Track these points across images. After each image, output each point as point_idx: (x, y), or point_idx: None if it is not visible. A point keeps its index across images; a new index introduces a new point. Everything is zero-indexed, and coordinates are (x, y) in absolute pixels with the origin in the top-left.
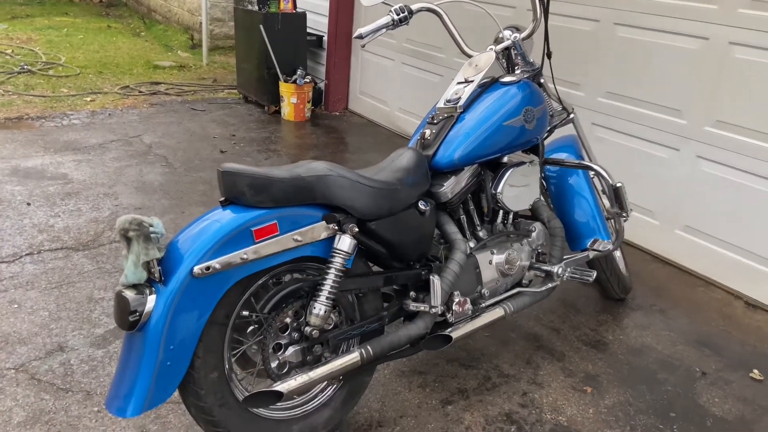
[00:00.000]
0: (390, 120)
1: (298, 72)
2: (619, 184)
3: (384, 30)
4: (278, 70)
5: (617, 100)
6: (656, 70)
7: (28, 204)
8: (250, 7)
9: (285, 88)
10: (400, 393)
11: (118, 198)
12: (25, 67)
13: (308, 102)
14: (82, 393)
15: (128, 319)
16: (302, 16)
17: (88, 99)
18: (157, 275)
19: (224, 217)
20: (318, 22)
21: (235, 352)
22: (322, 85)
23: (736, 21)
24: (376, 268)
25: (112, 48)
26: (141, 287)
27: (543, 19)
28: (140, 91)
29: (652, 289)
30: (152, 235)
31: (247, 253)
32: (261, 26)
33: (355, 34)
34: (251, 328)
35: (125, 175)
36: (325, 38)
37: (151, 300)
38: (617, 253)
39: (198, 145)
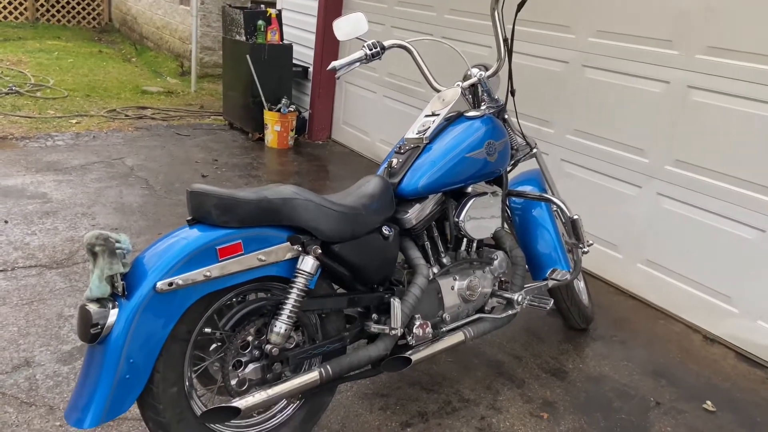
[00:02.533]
0: (371, 150)
1: (283, 101)
2: (576, 217)
3: (357, 64)
4: (263, 98)
5: (585, 138)
6: (621, 110)
7: (6, 222)
8: (238, 37)
9: (269, 116)
10: (361, 415)
11: (96, 218)
12: (13, 88)
13: (292, 130)
14: (45, 407)
15: (90, 331)
16: (288, 48)
17: (74, 121)
18: (120, 289)
19: (190, 235)
20: (304, 54)
21: (196, 368)
22: (306, 114)
23: (694, 66)
24: (341, 290)
25: (102, 72)
26: (104, 301)
27: (507, 59)
28: (126, 115)
29: (614, 320)
30: (118, 251)
31: (211, 270)
32: (248, 56)
33: (329, 67)
34: (214, 345)
35: (104, 196)
36: (311, 69)
37: (113, 314)
38: (580, 284)
39: (180, 168)
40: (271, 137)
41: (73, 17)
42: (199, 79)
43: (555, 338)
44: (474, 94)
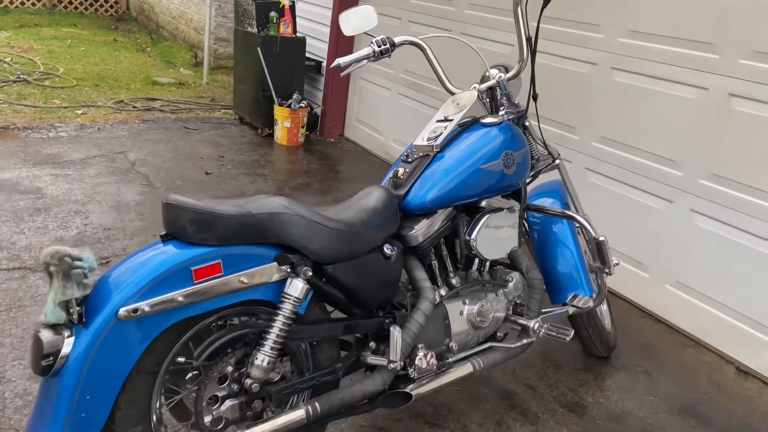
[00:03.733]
0: (384, 150)
1: (294, 96)
2: (602, 238)
3: (365, 61)
4: (273, 93)
5: (612, 146)
6: (653, 117)
7: None
8: (250, 29)
9: (279, 112)
10: None
11: (89, 216)
12: (21, 76)
13: (302, 127)
14: (11, 431)
15: (41, 363)
16: (302, 41)
17: (80, 112)
18: (75, 317)
19: (161, 254)
20: (318, 48)
21: (169, 401)
22: (318, 110)
23: (737, 72)
24: (337, 313)
25: (113, 62)
26: (60, 328)
27: (530, 60)
28: (134, 107)
29: (639, 347)
30: (76, 270)
31: (184, 295)
32: (259, 49)
33: (333, 64)
34: (191, 374)
35: (101, 193)
36: (324, 64)
37: (68, 343)
38: (603, 308)
39: (184, 164)
40: (280, 133)
41: (91, 5)
42: (212, 71)
43: (573, 366)
44: (492, 98)
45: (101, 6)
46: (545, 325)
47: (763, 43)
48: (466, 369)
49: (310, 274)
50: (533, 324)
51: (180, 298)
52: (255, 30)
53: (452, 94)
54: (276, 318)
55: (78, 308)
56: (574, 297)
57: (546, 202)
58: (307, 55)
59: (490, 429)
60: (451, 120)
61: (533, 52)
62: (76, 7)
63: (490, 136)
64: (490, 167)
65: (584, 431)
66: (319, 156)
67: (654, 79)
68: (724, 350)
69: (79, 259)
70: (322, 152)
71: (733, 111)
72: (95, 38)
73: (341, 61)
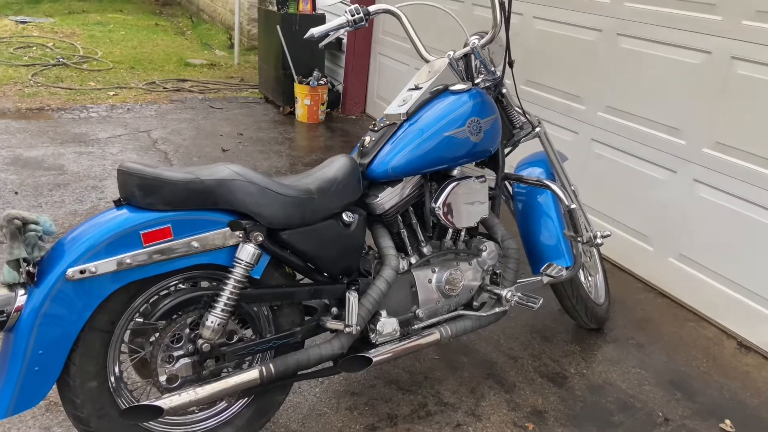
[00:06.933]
0: None
1: (314, 74)
2: (573, 206)
3: (342, 30)
4: (293, 70)
5: (617, 115)
6: (657, 84)
7: (16, 193)
8: (270, 7)
9: (299, 89)
10: (324, 414)
11: (104, 192)
12: (61, 60)
13: (322, 104)
14: None
15: None
16: (321, 18)
17: (112, 93)
18: (24, 276)
19: (113, 219)
20: None
21: (132, 359)
22: (339, 87)
23: (740, 34)
24: (305, 281)
25: (150, 45)
26: (16, 287)
27: (504, 26)
28: (164, 88)
29: (636, 320)
30: (30, 234)
31: (131, 257)
32: (278, 27)
33: (306, 35)
34: (155, 335)
35: None
36: (345, 41)
37: (20, 300)
38: (598, 278)
39: (203, 142)
40: (301, 111)
41: None
42: (246, 51)
43: (562, 338)
44: (467, 65)
45: None
46: (517, 294)
47: (766, 2)
48: (432, 336)
49: (261, 239)
50: (506, 293)
51: (128, 261)
52: (275, 8)
53: (427, 62)
54: (227, 281)
55: (28, 268)
56: (548, 266)
57: (535, 172)
58: None
59: (463, 396)
60: (421, 88)
61: (507, 18)
62: None
63: (457, 103)
64: (455, 134)
65: (560, 401)
66: (339, 133)
67: (658, 44)
68: (726, 325)
69: (35, 223)
70: (342, 129)
71: (736, 75)
72: (138, 23)
73: (314, 31)
